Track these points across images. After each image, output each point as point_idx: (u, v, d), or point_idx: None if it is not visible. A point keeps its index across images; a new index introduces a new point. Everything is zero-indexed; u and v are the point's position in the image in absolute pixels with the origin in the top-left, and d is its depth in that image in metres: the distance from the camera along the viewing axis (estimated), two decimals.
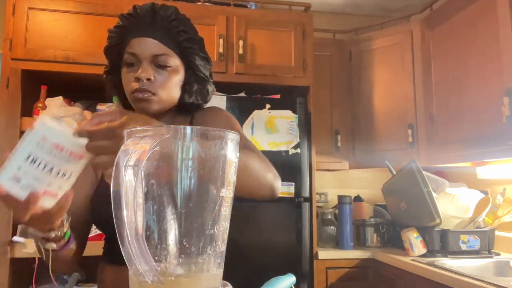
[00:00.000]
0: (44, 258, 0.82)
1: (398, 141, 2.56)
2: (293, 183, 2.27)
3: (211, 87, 1.06)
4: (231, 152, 0.61)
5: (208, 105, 1.10)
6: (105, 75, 1.05)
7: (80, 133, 0.62)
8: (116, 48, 0.99)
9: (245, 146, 0.89)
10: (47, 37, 2.12)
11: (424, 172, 2.18)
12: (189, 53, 0.99)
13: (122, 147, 0.55)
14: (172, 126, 0.57)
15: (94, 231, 2.04)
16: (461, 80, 2.15)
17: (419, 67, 2.51)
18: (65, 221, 0.78)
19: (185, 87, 1.01)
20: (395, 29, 2.65)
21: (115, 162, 0.55)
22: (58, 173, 0.61)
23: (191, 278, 0.57)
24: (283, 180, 2.38)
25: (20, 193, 0.59)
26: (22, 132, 2.03)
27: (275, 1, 2.65)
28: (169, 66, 0.95)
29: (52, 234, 0.76)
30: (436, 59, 2.38)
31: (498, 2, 1.88)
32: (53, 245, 0.79)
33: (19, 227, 1.99)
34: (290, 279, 1.15)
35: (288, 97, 2.43)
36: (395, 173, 2.42)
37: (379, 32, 2.74)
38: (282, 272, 1.18)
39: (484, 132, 1.96)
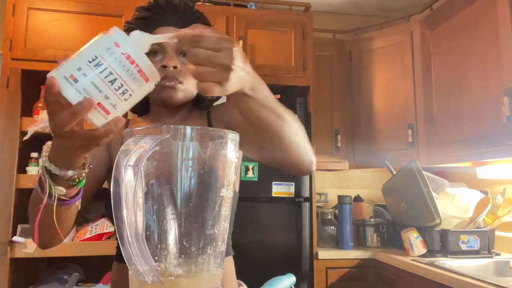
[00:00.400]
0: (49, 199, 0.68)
1: (398, 141, 2.56)
2: (293, 183, 2.27)
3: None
4: (231, 152, 0.61)
5: (221, 100, 1.06)
6: None
7: (181, 38, 0.57)
8: None
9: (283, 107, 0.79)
10: (47, 37, 2.12)
11: (424, 172, 2.18)
12: None
13: (122, 147, 0.55)
14: (172, 126, 0.57)
15: (94, 231, 2.04)
16: (461, 80, 2.15)
17: (419, 67, 2.51)
18: (86, 164, 0.69)
19: None
20: (395, 29, 2.65)
21: (115, 161, 0.54)
22: (120, 88, 0.55)
23: (191, 278, 0.57)
24: (282, 180, 2.38)
25: (73, 96, 0.53)
26: (22, 132, 2.03)
27: (275, 1, 2.65)
28: None
29: (70, 173, 0.65)
30: (436, 59, 2.37)
31: (498, 2, 1.88)
32: (63, 190, 0.67)
33: (19, 227, 1.99)
34: (290, 279, 1.15)
35: (288, 97, 2.43)
36: (395, 173, 2.41)
37: (379, 32, 2.74)
38: (282, 272, 1.19)
39: (484, 132, 1.96)
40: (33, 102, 2.13)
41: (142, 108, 1.05)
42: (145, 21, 0.97)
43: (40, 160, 0.61)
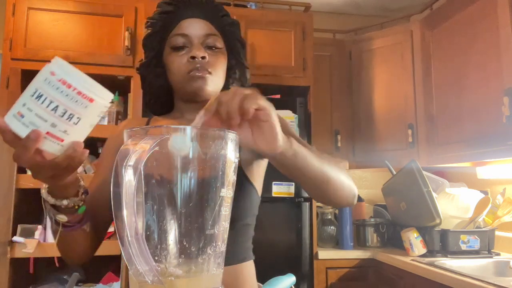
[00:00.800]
0: (53, 232, 0.76)
1: (398, 141, 2.56)
2: (293, 183, 2.27)
3: (249, 74, 1.04)
4: (231, 152, 0.61)
5: None
6: (142, 69, 1.01)
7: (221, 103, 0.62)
8: (159, 35, 0.96)
9: (320, 155, 0.86)
10: (47, 37, 2.12)
11: (424, 172, 2.18)
12: (232, 38, 0.98)
13: (122, 147, 0.55)
14: (172, 126, 0.57)
15: None
16: (461, 80, 2.15)
17: (419, 67, 2.51)
18: (80, 192, 0.73)
19: (229, 72, 0.99)
20: (395, 29, 2.65)
21: (115, 161, 0.55)
22: (64, 114, 0.56)
23: (191, 278, 0.57)
24: (282, 180, 2.38)
25: (21, 130, 0.56)
26: None
27: (275, 1, 2.65)
28: (219, 48, 0.94)
29: (65, 202, 0.70)
30: (436, 59, 2.37)
31: (498, 2, 1.88)
32: (64, 217, 0.73)
33: (19, 227, 1.99)
34: (290, 279, 1.15)
35: (288, 97, 2.43)
36: (395, 173, 2.41)
37: (379, 32, 2.74)
38: (282, 272, 1.19)
39: (484, 132, 1.96)
40: None
41: (164, 109, 1.04)
42: (168, 16, 0.96)
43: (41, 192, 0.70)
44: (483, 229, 2.13)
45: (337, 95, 2.77)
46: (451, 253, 2.07)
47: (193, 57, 0.90)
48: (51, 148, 0.58)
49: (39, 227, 2.00)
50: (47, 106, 0.55)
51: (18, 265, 2.01)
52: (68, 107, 0.56)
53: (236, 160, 0.63)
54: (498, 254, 2.10)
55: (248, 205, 0.94)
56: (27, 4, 2.11)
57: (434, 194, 2.12)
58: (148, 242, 0.54)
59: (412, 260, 2.05)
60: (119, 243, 0.52)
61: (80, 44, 2.15)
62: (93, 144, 2.12)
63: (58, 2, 2.15)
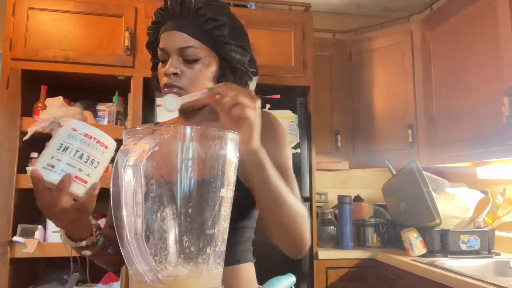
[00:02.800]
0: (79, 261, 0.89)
1: (398, 141, 2.56)
2: None
3: (249, 78, 1.00)
4: (231, 152, 0.61)
5: None
6: (152, 71, 1.04)
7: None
8: (154, 45, 0.98)
9: (291, 186, 0.92)
10: (47, 37, 2.12)
11: (424, 172, 2.18)
12: (220, 42, 0.92)
13: (122, 147, 0.55)
14: (172, 126, 0.57)
15: None
16: (461, 80, 2.15)
17: (419, 67, 2.51)
18: (94, 230, 0.81)
19: (220, 79, 0.94)
20: (395, 29, 2.65)
21: (115, 161, 0.55)
22: (88, 159, 0.68)
23: (191, 278, 0.57)
24: None
25: (55, 178, 0.66)
26: (22, 132, 2.03)
27: (275, 1, 2.65)
28: (197, 59, 0.90)
29: (84, 243, 0.80)
30: (436, 59, 2.37)
31: (498, 2, 1.88)
32: (88, 252, 0.82)
33: (19, 227, 1.99)
34: (290, 279, 1.15)
35: (288, 97, 2.43)
36: (395, 173, 2.41)
37: (379, 32, 2.74)
38: (282, 272, 1.19)
39: (484, 132, 1.96)
40: (33, 102, 2.13)
41: None
42: (155, 26, 0.96)
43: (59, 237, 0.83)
44: (483, 229, 2.13)
45: (337, 95, 2.77)
46: (451, 253, 2.07)
47: (165, 74, 0.90)
48: (78, 190, 0.68)
49: (39, 227, 2.00)
50: (74, 155, 0.67)
51: (18, 265, 2.01)
52: (91, 154, 0.68)
53: (236, 160, 0.63)
54: (498, 254, 2.10)
55: (242, 208, 0.94)
56: (27, 4, 2.11)
57: (434, 194, 2.12)
58: (147, 242, 0.54)
59: (412, 260, 2.05)
60: (119, 243, 0.52)
61: (80, 44, 2.15)
62: None
63: (58, 2, 2.15)
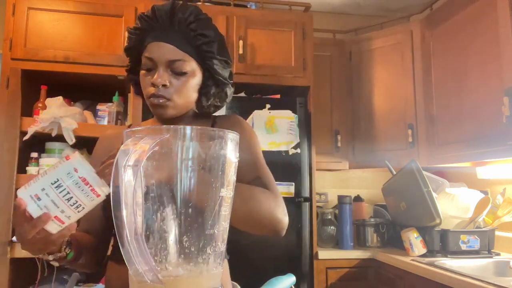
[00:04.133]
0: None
1: (398, 141, 2.56)
2: (293, 183, 2.27)
3: (230, 90, 1.03)
4: (231, 152, 0.61)
5: (221, 111, 1.08)
6: (127, 74, 1.05)
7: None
8: (135, 50, 0.98)
9: (260, 181, 0.93)
10: (47, 37, 2.12)
11: (424, 172, 2.18)
12: (207, 57, 0.96)
13: (122, 147, 0.55)
14: (172, 126, 0.57)
15: None
16: (461, 80, 2.15)
17: (419, 67, 2.51)
18: (63, 248, 0.81)
19: (202, 90, 0.98)
20: (395, 29, 2.65)
21: (115, 161, 0.55)
22: (74, 204, 0.68)
23: (191, 278, 0.57)
24: (283, 180, 2.39)
25: (35, 211, 0.67)
26: (22, 132, 2.03)
27: (275, 1, 2.65)
28: (185, 72, 0.93)
29: (50, 257, 0.80)
30: (436, 59, 2.37)
31: (498, 2, 1.88)
32: (56, 263, 0.83)
33: None
34: (290, 279, 1.15)
35: (288, 97, 2.43)
36: (395, 173, 2.41)
37: (379, 32, 2.74)
38: (282, 272, 1.19)
39: (484, 132, 1.96)
40: (33, 102, 2.13)
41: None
42: (141, 33, 0.96)
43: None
44: (483, 229, 2.12)
45: (337, 95, 2.77)
46: (451, 253, 2.07)
47: (153, 84, 0.91)
48: (52, 228, 0.69)
49: None
50: (64, 196, 0.67)
51: (18, 265, 2.01)
52: (80, 199, 0.68)
53: (236, 160, 0.63)
54: (498, 254, 2.10)
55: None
56: (27, 4, 2.11)
57: (434, 194, 2.12)
58: (147, 242, 0.54)
59: (412, 260, 2.04)
60: (119, 243, 0.52)
61: (80, 44, 2.15)
62: (93, 143, 2.12)
63: (58, 2, 2.15)
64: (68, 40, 2.14)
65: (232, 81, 1.03)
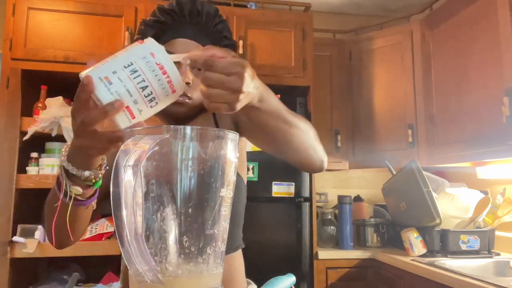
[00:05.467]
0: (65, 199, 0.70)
1: (398, 141, 2.56)
2: (293, 183, 2.27)
3: None
4: (231, 152, 0.61)
5: None
6: None
7: (194, 60, 0.59)
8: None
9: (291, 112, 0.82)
10: (47, 37, 2.12)
11: (424, 172, 2.18)
12: None
13: (122, 147, 0.55)
14: (172, 126, 0.57)
15: (94, 231, 2.04)
16: (461, 80, 2.15)
17: (419, 67, 2.51)
18: (103, 165, 0.70)
19: None
20: (395, 29, 2.65)
21: (115, 162, 0.54)
22: (149, 95, 0.57)
23: (191, 278, 0.57)
24: (283, 180, 2.38)
25: (105, 96, 0.56)
26: (22, 132, 2.03)
27: (275, 1, 2.65)
28: None
29: (87, 173, 0.67)
30: (436, 59, 2.37)
31: (498, 2, 1.88)
32: (79, 190, 0.68)
33: (19, 227, 1.99)
34: (290, 279, 1.15)
35: (288, 97, 2.43)
36: (395, 173, 2.41)
37: (379, 32, 2.74)
38: (282, 272, 1.18)
39: (484, 132, 1.96)
40: (33, 102, 2.13)
41: None
42: (163, 27, 0.92)
43: (59, 160, 0.63)
44: (483, 229, 2.12)
45: (337, 95, 2.77)
46: (451, 253, 2.07)
47: None
48: (121, 122, 0.58)
49: (39, 227, 2.00)
50: (138, 83, 0.56)
51: (18, 265, 2.01)
52: (155, 91, 0.57)
53: (236, 160, 0.63)
54: (498, 254, 2.10)
55: (237, 194, 0.94)
56: (27, 4, 2.11)
57: (434, 194, 2.12)
58: (147, 242, 0.54)
59: (412, 260, 2.04)
60: (119, 243, 0.52)
61: (80, 44, 2.15)
62: None
63: (58, 2, 2.15)
64: (68, 40, 2.14)
65: None
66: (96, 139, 0.60)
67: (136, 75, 0.56)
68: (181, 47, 0.89)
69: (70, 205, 0.69)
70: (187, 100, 0.89)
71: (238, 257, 0.98)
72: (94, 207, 0.77)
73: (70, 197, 0.69)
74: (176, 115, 0.92)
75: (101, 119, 0.57)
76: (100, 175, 0.69)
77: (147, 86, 0.56)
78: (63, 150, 0.69)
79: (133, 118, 0.58)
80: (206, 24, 0.91)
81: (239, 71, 0.59)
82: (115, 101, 0.56)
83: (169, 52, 0.86)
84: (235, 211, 0.95)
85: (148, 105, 0.58)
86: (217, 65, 0.59)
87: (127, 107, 0.57)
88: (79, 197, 0.70)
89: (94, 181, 0.69)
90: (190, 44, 0.90)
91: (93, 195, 0.73)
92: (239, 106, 0.62)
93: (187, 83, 0.88)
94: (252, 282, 1.04)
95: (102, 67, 0.56)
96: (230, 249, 0.94)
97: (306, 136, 0.81)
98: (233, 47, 0.96)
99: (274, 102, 0.72)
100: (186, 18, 0.91)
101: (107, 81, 0.55)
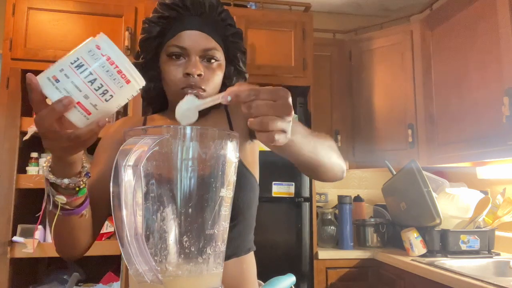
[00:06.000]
0: (50, 211, 0.71)
1: (398, 141, 2.56)
2: (293, 183, 2.27)
3: (245, 78, 1.03)
4: (231, 152, 0.61)
5: None
6: (137, 68, 0.99)
7: (235, 94, 0.60)
8: (157, 40, 0.93)
9: (312, 134, 0.83)
10: (47, 37, 2.12)
11: (424, 172, 2.18)
12: (233, 47, 0.96)
13: (122, 147, 0.55)
14: (172, 126, 0.57)
15: None
16: (461, 80, 2.15)
17: (419, 67, 2.51)
18: (83, 173, 0.69)
19: (225, 81, 0.97)
20: (395, 29, 2.65)
21: (115, 162, 0.54)
22: (99, 88, 0.56)
23: (191, 278, 0.57)
24: (283, 180, 2.38)
25: (53, 94, 0.56)
26: (22, 132, 2.03)
27: (275, 1, 2.65)
28: (217, 61, 0.91)
29: (66, 181, 0.67)
30: (436, 59, 2.37)
31: (498, 2, 1.88)
32: (63, 199, 0.69)
33: (19, 227, 1.99)
34: (290, 279, 1.14)
35: None
36: (395, 173, 2.41)
37: (379, 32, 2.74)
38: (282, 272, 1.18)
39: (484, 132, 1.96)
40: None
41: (157, 107, 1.03)
42: (167, 21, 0.92)
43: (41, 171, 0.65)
44: (483, 229, 2.12)
45: (337, 95, 2.77)
46: (451, 253, 2.07)
47: (188, 74, 0.88)
48: (76, 119, 0.57)
49: (39, 227, 2.00)
50: (86, 77, 0.56)
51: (18, 265, 2.01)
52: (105, 83, 0.56)
53: (236, 160, 0.63)
54: (498, 254, 2.10)
55: (252, 195, 0.94)
56: (27, 4, 2.11)
57: (434, 194, 2.12)
58: (147, 242, 0.54)
59: (412, 260, 2.04)
60: (119, 243, 0.52)
61: (80, 44, 2.15)
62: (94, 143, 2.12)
63: (58, 2, 2.15)
64: (68, 40, 2.14)
65: (247, 72, 1.03)
66: (56, 139, 0.60)
67: (83, 70, 0.56)
68: (189, 39, 0.89)
69: (56, 214, 0.70)
70: (201, 92, 0.88)
71: (250, 259, 0.97)
72: (86, 216, 0.76)
73: (57, 206, 0.69)
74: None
75: (53, 118, 0.56)
76: (81, 183, 0.69)
77: (95, 79, 0.56)
78: (46, 160, 0.69)
79: (89, 114, 0.57)
80: (210, 14, 0.92)
81: (284, 95, 0.60)
82: (63, 98, 0.55)
83: (179, 48, 0.89)
84: (250, 213, 0.95)
85: (102, 98, 0.57)
86: (264, 92, 0.59)
87: (78, 102, 0.56)
88: (66, 206, 0.70)
89: (77, 189, 0.69)
90: (197, 35, 0.90)
91: (81, 204, 0.72)
92: (291, 133, 0.63)
93: (199, 75, 0.88)
94: (263, 283, 1.04)
95: (51, 67, 0.56)
96: (242, 251, 0.94)
97: (331, 154, 0.84)
98: (239, 34, 0.97)
99: (301, 129, 0.74)
100: (189, 10, 0.91)
101: (55, 79, 0.55)
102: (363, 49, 2.75)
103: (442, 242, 2.11)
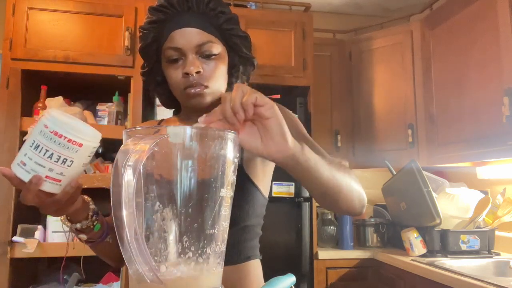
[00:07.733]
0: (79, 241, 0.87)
1: (398, 141, 2.56)
2: (293, 183, 2.27)
3: (252, 65, 1.01)
4: (231, 152, 0.61)
5: None
6: (144, 76, 0.99)
7: (224, 111, 0.60)
8: (153, 46, 0.93)
9: (330, 160, 0.77)
10: (47, 37, 2.12)
11: (424, 172, 2.18)
12: (230, 35, 0.93)
13: (122, 147, 0.55)
14: (171, 126, 0.57)
15: None
16: (461, 80, 2.15)
17: (419, 67, 2.51)
18: (90, 215, 0.80)
19: (231, 71, 0.96)
20: (395, 29, 2.65)
21: (115, 162, 0.55)
22: (58, 159, 0.65)
23: (191, 278, 0.57)
24: (282, 180, 2.38)
25: (25, 176, 0.65)
26: (22, 132, 2.03)
27: (275, 1, 2.65)
28: (215, 54, 0.90)
29: (78, 226, 0.80)
30: (436, 59, 2.37)
31: (498, 2, 1.88)
32: (84, 236, 0.82)
33: (19, 227, 1.99)
34: (290, 279, 1.14)
35: (288, 97, 2.43)
36: (395, 173, 2.41)
37: (379, 32, 2.74)
38: (282, 272, 1.18)
39: (484, 132, 1.96)
40: (33, 102, 2.13)
41: (174, 106, 1.03)
42: (158, 25, 0.91)
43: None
44: (483, 229, 2.12)
45: (337, 95, 2.77)
46: (451, 253, 2.07)
47: (187, 73, 0.87)
48: (51, 188, 0.67)
49: (39, 227, 2.00)
50: (44, 154, 0.65)
51: (18, 265, 2.01)
52: (61, 154, 0.65)
53: (236, 160, 0.63)
54: (498, 254, 2.10)
55: (250, 208, 0.94)
56: (27, 4, 2.11)
57: (434, 194, 2.12)
58: (147, 242, 0.54)
59: (412, 260, 2.04)
60: (119, 243, 0.52)
61: (80, 44, 2.15)
62: None
63: (58, 2, 2.15)
64: (68, 40, 2.14)
65: (254, 57, 1.01)
66: (44, 207, 0.71)
67: (40, 149, 0.64)
68: (181, 38, 0.88)
69: (84, 244, 0.86)
70: (204, 90, 0.88)
71: (248, 269, 0.95)
72: (111, 242, 0.86)
73: (83, 240, 0.85)
74: (199, 107, 0.90)
75: (32, 194, 0.66)
76: (93, 223, 0.81)
77: (52, 154, 0.64)
78: None
79: (59, 181, 0.67)
80: (198, 7, 0.90)
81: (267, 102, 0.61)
82: (32, 177, 0.65)
83: (174, 49, 0.89)
84: (252, 224, 0.94)
85: (65, 166, 0.66)
86: (261, 100, 0.60)
87: (46, 176, 0.65)
88: (90, 239, 0.84)
89: (91, 227, 0.81)
90: (189, 32, 0.88)
91: (101, 235, 0.84)
92: (288, 146, 0.62)
93: (198, 73, 0.87)
94: (263, 283, 1.03)
95: (18, 154, 0.67)
96: (249, 257, 0.94)
97: (350, 187, 0.78)
98: (233, 20, 0.93)
99: (312, 155, 0.68)
100: (176, 8, 0.89)
101: (22, 164, 0.65)
102: (363, 49, 2.75)
103: (442, 242, 2.11)
